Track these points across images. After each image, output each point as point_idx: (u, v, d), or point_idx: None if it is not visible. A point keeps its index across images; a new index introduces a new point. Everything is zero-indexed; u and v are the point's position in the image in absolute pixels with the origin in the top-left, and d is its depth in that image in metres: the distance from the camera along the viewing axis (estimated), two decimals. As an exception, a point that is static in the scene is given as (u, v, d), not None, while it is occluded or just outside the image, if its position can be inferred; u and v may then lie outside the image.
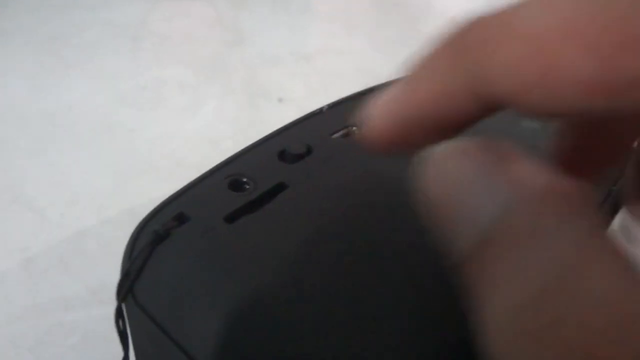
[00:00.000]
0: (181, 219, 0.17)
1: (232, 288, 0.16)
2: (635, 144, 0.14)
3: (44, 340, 0.26)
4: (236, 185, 0.19)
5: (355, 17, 0.57)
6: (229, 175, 0.19)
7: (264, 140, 0.21)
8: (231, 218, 0.17)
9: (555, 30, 0.10)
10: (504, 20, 0.12)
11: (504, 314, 0.10)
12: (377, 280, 0.16)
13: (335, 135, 0.21)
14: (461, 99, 0.13)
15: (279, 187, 0.19)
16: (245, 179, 0.19)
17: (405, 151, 0.15)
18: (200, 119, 0.39)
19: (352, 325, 0.15)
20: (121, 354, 0.17)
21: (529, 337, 0.10)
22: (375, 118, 0.17)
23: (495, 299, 0.10)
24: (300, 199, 0.18)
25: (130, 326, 0.18)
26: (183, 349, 0.15)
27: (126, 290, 0.16)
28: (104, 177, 0.34)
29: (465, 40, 0.13)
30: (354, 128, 0.22)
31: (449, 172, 0.12)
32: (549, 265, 0.10)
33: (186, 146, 0.36)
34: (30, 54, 0.48)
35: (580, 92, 0.10)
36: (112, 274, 0.17)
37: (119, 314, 0.17)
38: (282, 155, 0.20)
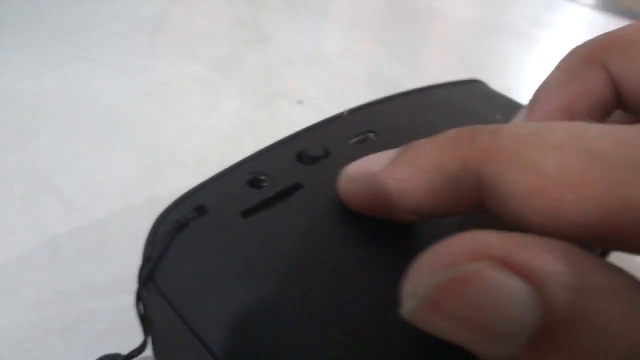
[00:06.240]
0: (201, 210, 0.19)
1: (245, 279, 0.17)
2: None
3: (73, 326, 0.26)
4: (254, 182, 0.20)
5: (371, 21, 0.57)
6: (249, 172, 0.20)
7: (284, 141, 0.22)
8: (247, 213, 0.18)
9: (566, 178, 0.12)
10: (524, 144, 0.13)
11: None
12: (387, 282, 0.16)
13: (353, 140, 0.22)
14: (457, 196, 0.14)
15: (295, 187, 0.20)
16: (263, 177, 0.20)
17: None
18: (221, 116, 0.40)
19: (365, 324, 0.15)
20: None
21: None
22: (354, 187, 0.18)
23: None
24: (314, 199, 0.19)
25: (149, 310, 0.18)
26: (198, 336, 0.16)
27: (147, 274, 0.17)
28: (128, 169, 0.35)
29: (482, 145, 0.13)
30: (371, 134, 0.23)
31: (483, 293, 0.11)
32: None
33: (207, 142, 0.37)
34: (53, 44, 0.48)
35: (577, 232, 0.12)
36: (137, 264, 0.18)
37: (139, 298, 0.18)
38: (300, 156, 0.21)
